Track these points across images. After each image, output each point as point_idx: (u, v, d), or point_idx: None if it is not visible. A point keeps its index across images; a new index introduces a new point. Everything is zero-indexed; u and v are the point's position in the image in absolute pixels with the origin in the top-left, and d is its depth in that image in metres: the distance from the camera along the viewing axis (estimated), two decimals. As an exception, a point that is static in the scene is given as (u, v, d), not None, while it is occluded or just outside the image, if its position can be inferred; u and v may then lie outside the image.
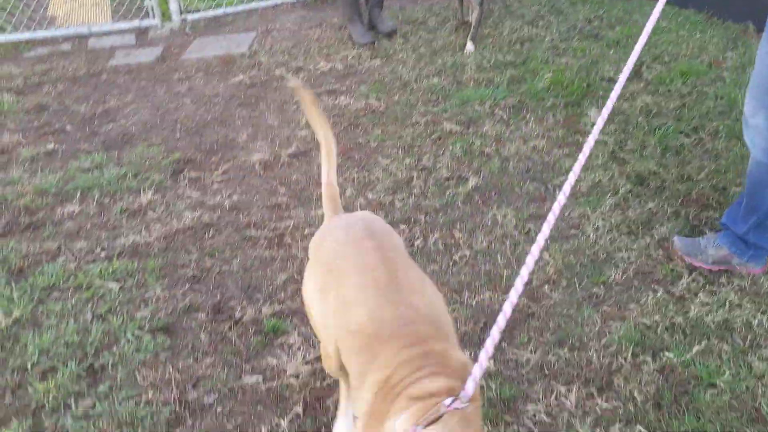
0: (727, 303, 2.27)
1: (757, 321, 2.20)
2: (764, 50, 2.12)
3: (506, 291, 2.45)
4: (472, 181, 3.10)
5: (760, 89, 2.14)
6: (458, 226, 2.83)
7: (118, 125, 3.91)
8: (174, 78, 4.56)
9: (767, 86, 2.11)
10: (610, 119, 3.49)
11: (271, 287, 2.59)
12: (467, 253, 2.67)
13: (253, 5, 5.73)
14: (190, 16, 5.51)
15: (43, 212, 3.10)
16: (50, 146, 3.69)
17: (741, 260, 2.39)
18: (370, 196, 3.09)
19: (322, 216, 2.93)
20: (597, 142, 3.30)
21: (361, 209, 2.99)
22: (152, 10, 5.41)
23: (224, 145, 3.65)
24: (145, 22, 5.44)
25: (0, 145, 3.73)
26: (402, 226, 2.85)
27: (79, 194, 3.23)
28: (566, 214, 2.83)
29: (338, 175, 3.28)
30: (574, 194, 2.96)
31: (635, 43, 4.25)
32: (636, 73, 3.92)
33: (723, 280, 2.40)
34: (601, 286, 2.43)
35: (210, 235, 2.92)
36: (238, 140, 3.70)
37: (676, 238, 2.54)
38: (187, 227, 2.98)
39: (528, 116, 3.62)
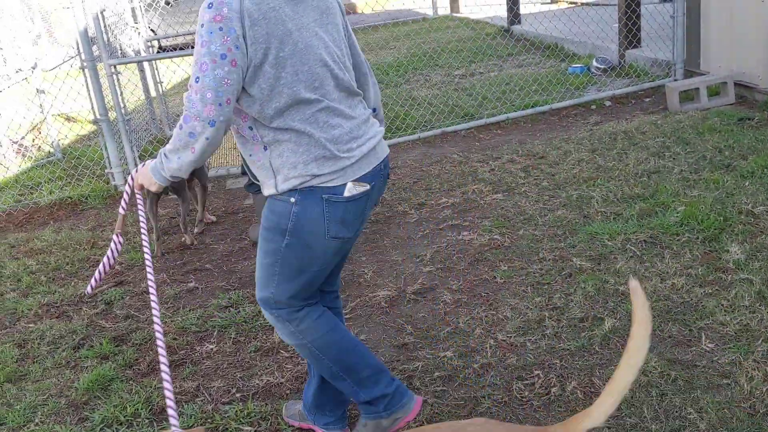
0: None
1: None
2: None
3: (657, 449, 2.27)
4: (609, 323, 2.98)
5: None
6: (597, 373, 2.69)
7: (253, 263, 4.11)
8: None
9: None
10: (753, 256, 3.30)
11: None
12: (608, 403, 2.51)
13: (376, 143, 6.01)
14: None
15: (184, 351, 3.24)
16: (191, 284, 3.91)
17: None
18: (499, 336, 3.02)
19: (451, 358, 2.91)
20: (741, 280, 3.11)
21: (491, 351, 2.93)
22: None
23: (350, 283, 3.73)
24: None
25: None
26: (536, 372, 2.75)
27: (216, 332, 3.36)
28: (713, 360, 2.63)
29: (464, 313, 3.28)
30: (721, 338, 2.76)
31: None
32: (777, 205, 3.73)
33: None
34: (766, 447, 2.20)
35: (340, 377, 2.93)
36: (363, 277, 3.78)
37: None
38: (318, 368, 3.01)
39: (663, 252, 3.49)
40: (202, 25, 1.92)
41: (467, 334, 3.10)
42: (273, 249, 2.17)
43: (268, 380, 2.93)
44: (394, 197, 4.84)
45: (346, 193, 2.08)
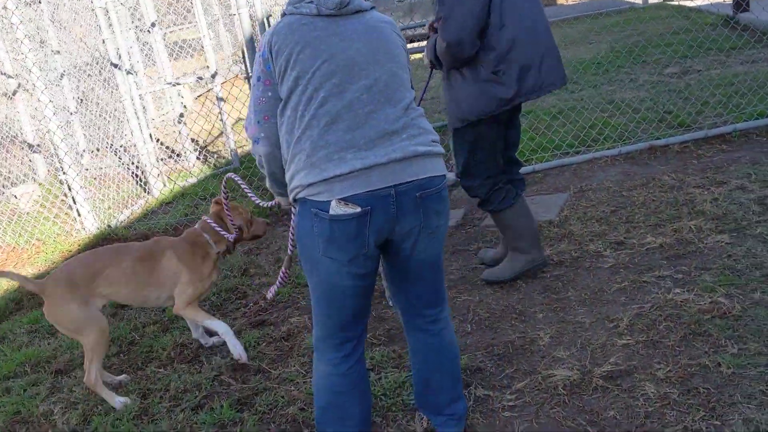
0: None
1: None
2: None
3: None
4: None
5: None
6: None
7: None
8: (471, 249, 4.07)
9: None
10: None
11: None
12: None
13: (565, 160, 5.12)
14: (495, 174, 5.07)
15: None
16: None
17: None
18: (726, 468, 2.10)
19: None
20: None
21: (714, 494, 2.02)
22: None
23: (521, 350, 2.96)
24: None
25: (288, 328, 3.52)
26: None
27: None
28: None
29: (673, 417, 2.38)
30: None
31: None
32: None
33: None
34: None
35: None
36: (538, 343, 2.99)
37: None
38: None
39: None
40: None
41: (674, 455, 2.22)
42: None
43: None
44: (584, 230, 3.96)
45: (331, 212, 2.02)
